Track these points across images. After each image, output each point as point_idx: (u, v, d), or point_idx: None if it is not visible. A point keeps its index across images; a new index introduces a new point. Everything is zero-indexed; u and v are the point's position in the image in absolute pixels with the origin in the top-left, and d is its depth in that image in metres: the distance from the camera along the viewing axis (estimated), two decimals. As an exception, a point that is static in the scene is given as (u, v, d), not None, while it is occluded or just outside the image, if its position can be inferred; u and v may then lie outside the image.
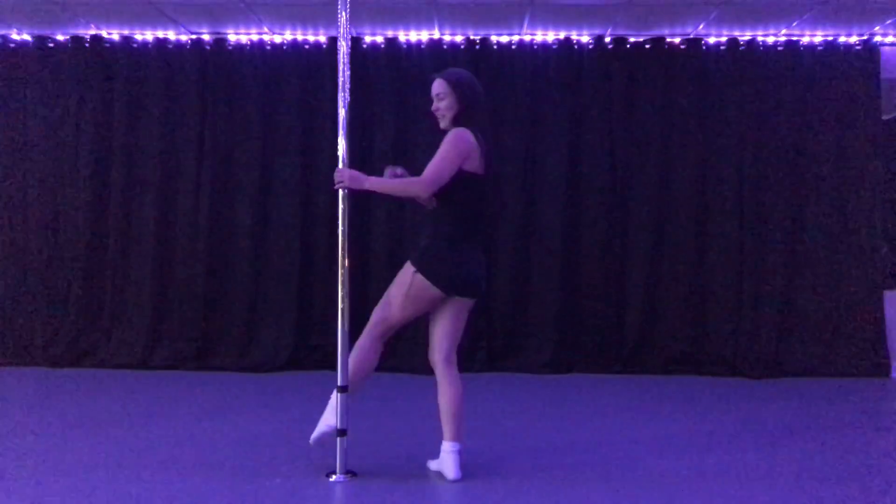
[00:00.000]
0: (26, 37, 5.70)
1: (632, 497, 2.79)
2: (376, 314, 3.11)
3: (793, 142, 5.60)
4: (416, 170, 5.75)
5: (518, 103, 5.64)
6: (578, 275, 5.62)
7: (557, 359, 5.54)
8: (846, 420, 4.12)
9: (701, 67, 5.63)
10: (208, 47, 5.71)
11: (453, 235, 3.01)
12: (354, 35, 5.56)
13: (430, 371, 3.24)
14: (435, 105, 3.08)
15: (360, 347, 3.11)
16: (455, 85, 3.04)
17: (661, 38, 5.64)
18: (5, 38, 5.70)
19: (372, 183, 3.01)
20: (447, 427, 3.00)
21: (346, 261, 3.06)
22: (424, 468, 3.09)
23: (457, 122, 3.04)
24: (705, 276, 5.59)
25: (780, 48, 5.63)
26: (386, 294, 3.10)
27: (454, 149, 2.95)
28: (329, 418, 3.01)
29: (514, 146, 5.60)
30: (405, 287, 3.02)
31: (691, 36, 5.64)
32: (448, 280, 2.99)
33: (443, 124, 3.09)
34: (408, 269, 3.03)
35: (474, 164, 2.98)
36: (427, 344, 3.25)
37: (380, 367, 5.43)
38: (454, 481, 2.94)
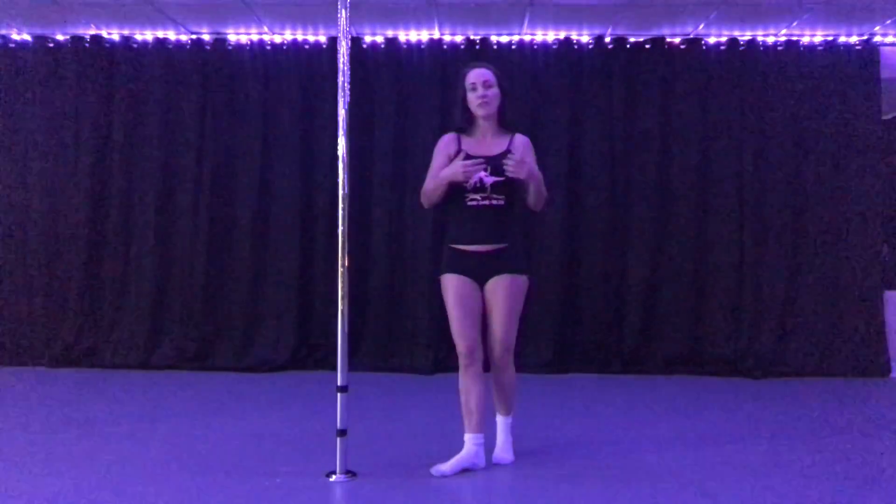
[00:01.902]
0: (26, 37, 5.70)
1: (632, 496, 2.79)
2: (511, 335, 3.09)
3: (793, 142, 5.60)
4: (416, 170, 5.77)
5: (518, 103, 5.63)
6: (578, 275, 5.62)
7: (557, 359, 5.54)
8: (846, 420, 4.11)
9: (701, 67, 5.63)
10: (208, 47, 5.70)
11: (523, 233, 3.19)
12: (354, 35, 5.56)
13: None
14: (482, 92, 3.04)
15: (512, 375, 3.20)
16: (497, 74, 3.11)
17: (661, 38, 5.64)
18: (5, 38, 5.70)
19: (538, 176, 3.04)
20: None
21: (346, 261, 3.06)
22: (424, 468, 3.07)
23: (502, 111, 3.11)
24: (705, 275, 5.59)
25: (780, 48, 5.63)
26: (505, 318, 3.04)
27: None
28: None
29: (514, 146, 5.60)
30: (523, 293, 3.11)
31: (691, 36, 5.64)
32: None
33: (486, 111, 3.07)
34: (518, 281, 3.07)
35: None
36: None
37: (379, 367, 5.50)
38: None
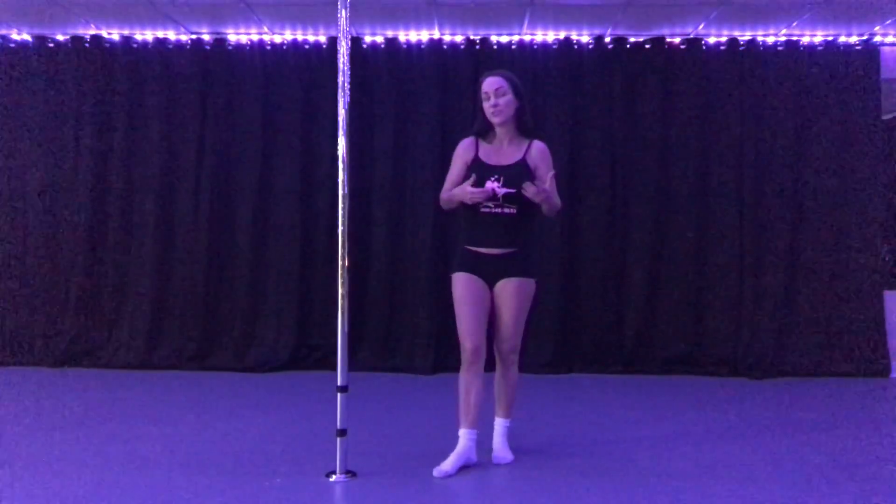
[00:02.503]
0: (26, 37, 5.70)
1: (632, 495, 2.79)
2: (519, 334, 3.15)
3: (792, 142, 5.59)
4: (416, 170, 5.75)
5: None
6: (578, 275, 5.62)
7: (557, 359, 5.53)
8: (846, 420, 4.11)
9: (701, 67, 5.63)
10: (208, 47, 5.70)
11: (535, 239, 3.25)
12: (354, 35, 5.56)
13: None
14: (494, 101, 3.09)
15: (516, 374, 3.25)
16: (511, 81, 3.13)
17: (661, 38, 5.63)
18: (5, 38, 5.70)
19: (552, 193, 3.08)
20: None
21: (346, 260, 3.06)
22: (424, 468, 3.07)
23: (518, 117, 3.13)
24: (705, 276, 5.59)
25: (780, 48, 5.63)
26: (513, 321, 3.12)
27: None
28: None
29: (514, 146, 5.60)
30: (531, 297, 3.16)
31: (691, 36, 5.63)
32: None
33: (499, 119, 3.11)
34: (527, 284, 3.13)
35: None
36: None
37: (379, 367, 5.50)
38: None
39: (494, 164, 3.09)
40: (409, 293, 5.58)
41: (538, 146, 3.18)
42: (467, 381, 3.11)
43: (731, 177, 5.60)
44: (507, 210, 3.06)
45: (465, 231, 3.18)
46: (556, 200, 3.12)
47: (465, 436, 3.11)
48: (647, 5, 5.05)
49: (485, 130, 3.19)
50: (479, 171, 3.07)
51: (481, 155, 3.14)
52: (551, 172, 3.07)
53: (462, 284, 3.12)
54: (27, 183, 5.67)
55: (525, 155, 3.13)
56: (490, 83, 3.11)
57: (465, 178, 3.11)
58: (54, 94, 5.68)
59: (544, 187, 2.99)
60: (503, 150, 3.15)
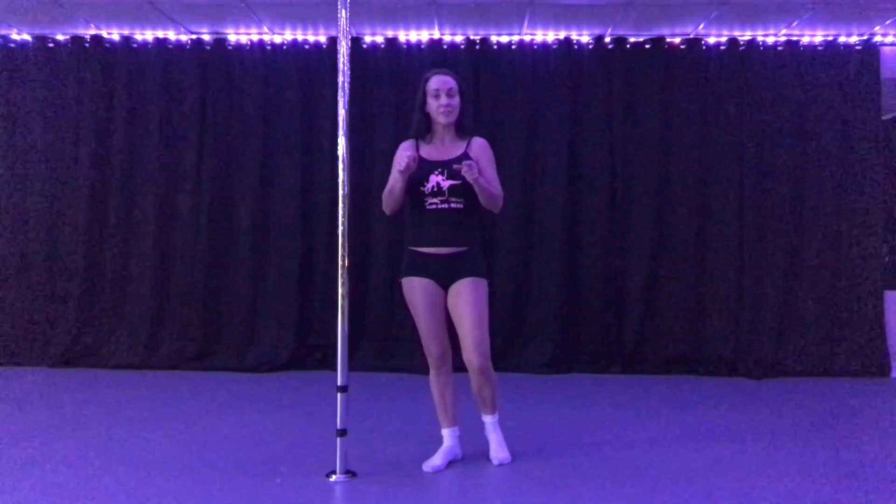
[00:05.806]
0: (26, 37, 5.70)
1: (631, 496, 2.79)
2: (485, 340, 3.03)
3: (793, 142, 5.60)
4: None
5: (518, 103, 5.64)
6: (578, 275, 5.62)
7: (557, 359, 5.53)
8: (846, 420, 4.12)
9: (701, 67, 5.63)
10: (208, 47, 5.70)
11: (482, 239, 3.17)
12: (354, 35, 5.56)
13: (429, 371, 3.24)
14: (446, 101, 3.07)
15: (494, 376, 3.14)
16: (459, 83, 3.14)
17: (661, 38, 5.64)
18: (5, 38, 5.70)
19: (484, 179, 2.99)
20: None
21: (346, 260, 3.06)
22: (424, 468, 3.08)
23: (460, 118, 3.11)
24: (705, 276, 5.59)
25: (780, 48, 5.63)
26: (475, 326, 3.00)
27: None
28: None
29: (514, 146, 5.60)
30: (486, 297, 3.08)
31: (691, 36, 5.64)
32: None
33: (447, 120, 3.09)
34: (481, 285, 3.05)
35: None
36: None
37: (379, 367, 5.50)
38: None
39: (437, 160, 3.06)
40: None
41: (479, 141, 3.16)
42: (441, 385, 3.16)
43: (731, 177, 5.60)
44: (453, 204, 3.02)
45: (412, 231, 3.13)
46: (492, 188, 3.04)
47: (448, 434, 3.18)
48: (647, 5, 5.05)
49: (424, 132, 3.15)
50: (421, 167, 3.03)
51: (423, 153, 3.11)
52: (471, 165, 2.95)
53: (417, 290, 3.08)
54: (27, 183, 5.68)
55: (466, 149, 3.10)
56: (444, 81, 3.08)
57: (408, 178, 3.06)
58: (54, 94, 5.69)
59: (475, 167, 2.91)
60: (444, 148, 3.12)
